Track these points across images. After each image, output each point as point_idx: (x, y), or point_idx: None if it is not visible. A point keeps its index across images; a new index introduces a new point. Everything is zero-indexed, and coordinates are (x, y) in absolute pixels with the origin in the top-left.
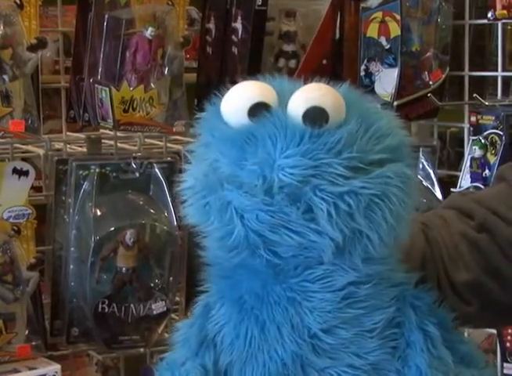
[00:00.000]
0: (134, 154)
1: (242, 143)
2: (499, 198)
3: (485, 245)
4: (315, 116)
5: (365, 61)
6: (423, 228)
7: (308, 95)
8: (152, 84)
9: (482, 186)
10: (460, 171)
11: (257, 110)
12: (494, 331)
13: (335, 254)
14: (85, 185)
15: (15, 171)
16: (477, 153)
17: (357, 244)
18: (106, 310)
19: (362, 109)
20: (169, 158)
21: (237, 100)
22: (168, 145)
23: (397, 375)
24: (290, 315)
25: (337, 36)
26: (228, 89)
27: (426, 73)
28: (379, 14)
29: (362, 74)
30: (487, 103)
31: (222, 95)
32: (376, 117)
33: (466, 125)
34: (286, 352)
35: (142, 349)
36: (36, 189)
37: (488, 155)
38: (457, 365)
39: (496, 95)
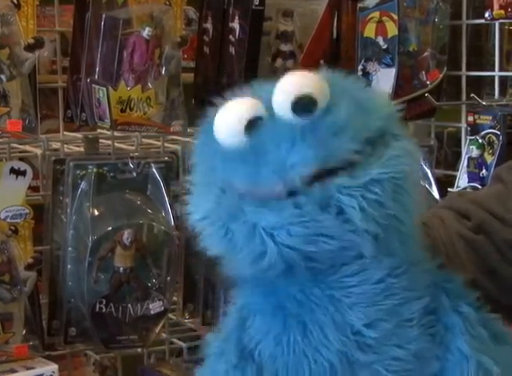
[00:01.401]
0: (131, 154)
1: (250, 158)
2: (495, 199)
3: (482, 246)
4: (303, 105)
5: (363, 61)
6: (423, 227)
7: (288, 88)
8: (149, 84)
9: (479, 186)
10: (458, 170)
11: (252, 125)
12: None
13: (374, 247)
14: (83, 185)
15: (12, 170)
16: (475, 152)
17: (391, 230)
18: (104, 310)
19: (345, 87)
20: (166, 158)
21: (230, 125)
22: (166, 145)
23: (439, 362)
24: (331, 313)
25: (335, 36)
26: (220, 104)
27: (423, 73)
28: (376, 14)
29: (360, 73)
30: (484, 103)
31: (210, 118)
32: (361, 92)
33: (463, 125)
34: (331, 353)
35: (139, 349)
36: (33, 189)
37: (486, 155)
38: (492, 342)
39: (494, 95)
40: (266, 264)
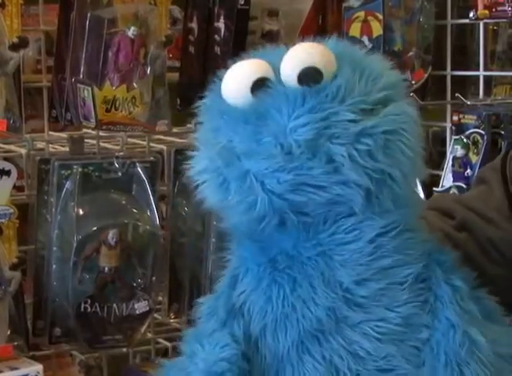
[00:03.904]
0: (116, 154)
1: (253, 120)
2: (478, 198)
3: (465, 244)
4: (309, 76)
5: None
6: None
7: (296, 59)
8: (134, 84)
9: (464, 186)
10: (442, 170)
11: (258, 85)
12: None
13: (364, 203)
14: (68, 184)
15: None
16: (460, 152)
17: (383, 187)
18: (89, 310)
19: (351, 56)
20: (152, 158)
21: (238, 81)
22: (151, 144)
23: (428, 329)
24: (322, 269)
25: (320, 35)
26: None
27: (408, 72)
28: (361, 13)
29: None
30: (469, 103)
31: (219, 78)
32: (367, 61)
33: (448, 125)
34: (319, 308)
35: (124, 349)
36: (18, 188)
37: (471, 154)
38: (484, 320)
39: (478, 94)
40: (258, 213)
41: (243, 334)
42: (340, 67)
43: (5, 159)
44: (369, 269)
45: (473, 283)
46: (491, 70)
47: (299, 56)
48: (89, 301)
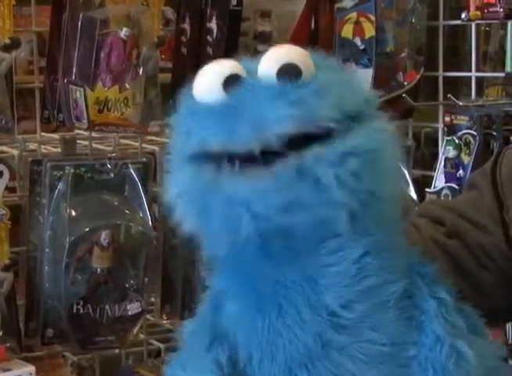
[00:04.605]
0: (109, 155)
1: (226, 114)
2: (468, 204)
3: (456, 250)
4: (289, 71)
5: (340, 61)
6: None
7: (275, 56)
8: (127, 85)
9: (456, 187)
10: (435, 171)
11: (231, 82)
12: None
13: (349, 224)
14: (60, 185)
15: None
16: (452, 153)
17: (367, 206)
18: (81, 311)
19: (330, 65)
20: (144, 159)
21: (208, 78)
22: (143, 145)
23: (415, 346)
24: (307, 294)
25: (312, 36)
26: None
27: (400, 73)
28: (353, 15)
29: None
30: (461, 104)
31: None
32: (345, 71)
33: (440, 125)
34: (306, 334)
35: (117, 350)
36: (10, 189)
37: (463, 155)
38: (469, 333)
39: (470, 95)
40: (242, 237)
41: (227, 360)
42: (318, 71)
43: None
44: (353, 291)
45: (456, 296)
46: (483, 71)
47: (278, 53)
48: (82, 302)
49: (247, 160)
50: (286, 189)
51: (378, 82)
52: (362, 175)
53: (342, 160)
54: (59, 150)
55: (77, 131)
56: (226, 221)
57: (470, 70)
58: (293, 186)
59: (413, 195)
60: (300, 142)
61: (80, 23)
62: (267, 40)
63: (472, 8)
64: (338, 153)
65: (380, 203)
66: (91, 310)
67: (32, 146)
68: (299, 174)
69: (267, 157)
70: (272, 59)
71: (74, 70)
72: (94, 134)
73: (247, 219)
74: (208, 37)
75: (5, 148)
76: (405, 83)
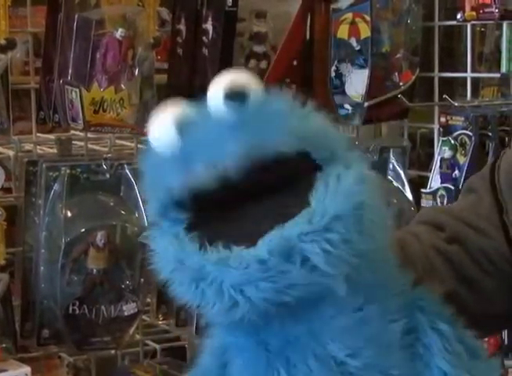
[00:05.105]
0: (104, 155)
1: (182, 158)
2: (468, 208)
3: (457, 256)
4: (235, 94)
5: (336, 62)
6: (397, 245)
7: (220, 82)
8: (122, 86)
9: (452, 187)
10: (430, 171)
11: (181, 127)
12: None
13: (346, 282)
14: (55, 186)
15: None
16: (447, 153)
17: (362, 263)
18: (77, 312)
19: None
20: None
21: (160, 130)
22: (139, 146)
23: None
24: (313, 347)
25: (308, 37)
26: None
27: (396, 74)
28: (349, 15)
29: (333, 75)
30: (456, 104)
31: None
32: (296, 103)
33: (436, 126)
34: None
35: (113, 351)
36: (6, 190)
37: (458, 156)
38: (469, 359)
39: (466, 96)
40: (239, 315)
41: None
42: (267, 97)
43: None
44: (359, 339)
45: (454, 320)
46: (478, 72)
47: (225, 78)
48: (77, 303)
49: (219, 204)
50: (276, 274)
51: (374, 83)
52: (352, 238)
53: (327, 231)
54: (54, 150)
55: (72, 131)
56: (221, 303)
57: (466, 71)
58: (282, 269)
59: (409, 196)
60: (268, 176)
61: (75, 24)
62: (262, 40)
63: (467, 8)
64: (321, 226)
65: (372, 255)
66: (87, 311)
67: (28, 146)
68: (286, 256)
69: (237, 197)
70: (218, 83)
71: (70, 70)
72: (90, 135)
73: (243, 302)
74: (204, 38)
75: (0, 149)
76: (401, 83)
